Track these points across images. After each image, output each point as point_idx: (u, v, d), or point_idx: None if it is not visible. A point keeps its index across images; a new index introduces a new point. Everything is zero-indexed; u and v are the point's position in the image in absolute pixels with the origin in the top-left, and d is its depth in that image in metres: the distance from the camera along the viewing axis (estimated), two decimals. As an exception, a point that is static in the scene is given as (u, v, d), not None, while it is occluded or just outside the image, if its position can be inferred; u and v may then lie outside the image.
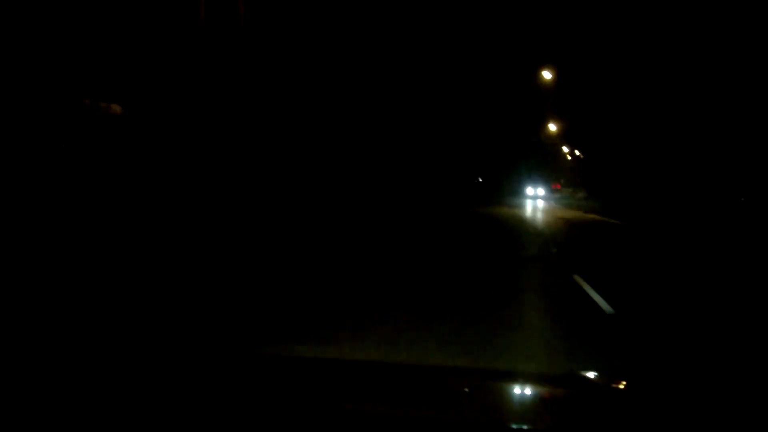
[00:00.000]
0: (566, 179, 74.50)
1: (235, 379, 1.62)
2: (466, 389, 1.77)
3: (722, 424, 1.37)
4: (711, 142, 27.59)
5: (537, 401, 1.74)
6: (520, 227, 19.41)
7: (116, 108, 12.94)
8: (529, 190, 47.77)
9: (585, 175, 59.00)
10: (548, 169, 62.32)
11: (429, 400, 1.56)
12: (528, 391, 1.83)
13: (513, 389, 1.86)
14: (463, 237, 15.22)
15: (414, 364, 2.66)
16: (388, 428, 1.24)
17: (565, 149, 70.19)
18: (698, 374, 3.53)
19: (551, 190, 51.42)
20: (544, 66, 42.53)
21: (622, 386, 1.86)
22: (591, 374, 2.20)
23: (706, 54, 27.45)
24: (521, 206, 35.08)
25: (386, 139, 30.15)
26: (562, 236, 16.43)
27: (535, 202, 41.27)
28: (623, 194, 33.25)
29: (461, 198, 38.51)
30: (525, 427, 1.42)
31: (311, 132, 20.94)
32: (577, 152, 68.10)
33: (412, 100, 32.88)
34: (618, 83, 36.53)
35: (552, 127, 56.68)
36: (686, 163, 29.21)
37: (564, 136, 58.68)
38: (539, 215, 27.60)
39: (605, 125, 40.65)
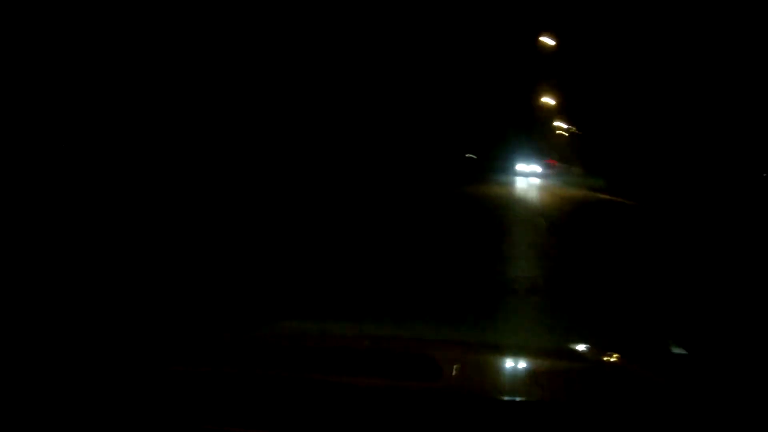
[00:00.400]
0: (560, 155, 71.34)
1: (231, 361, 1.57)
2: (457, 362, 1.73)
3: (717, 405, 1.33)
4: (729, 114, 24.39)
5: (529, 373, 1.76)
6: (517, 218, 15.83)
7: None
8: (521, 167, 43.57)
9: (582, 150, 56.03)
10: (542, 144, 58.79)
11: (418, 372, 1.52)
12: (519, 363, 1.85)
13: (504, 362, 1.88)
14: (438, 236, 10.08)
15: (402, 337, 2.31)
16: (380, 400, 1.23)
17: (560, 124, 67.27)
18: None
19: (546, 166, 47.27)
20: (541, 31, 38.91)
21: (614, 359, 1.86)
22: (583, 347, 2.14)
23: (724, 14, 24.26)
24: (514, 185, 31.56)
25: (360, 106, 27.08)
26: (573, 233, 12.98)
27: (528, 179, 37.52)
28: (630, 171, 29.90)
29: (442, 175, 35.07)
30: (517, 398, 1.44)
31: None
32: (572, 127, 65.47)
33: (390, 57, 29.49)
34: (624, 48, 33.06)
35: (546, 100, 53.69)
36: (702, 135, 26.02)
37: (560, 110, 55.73)
38: (538, 197, 24.01)
39: (608, 96, 37.18)
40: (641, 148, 29.99)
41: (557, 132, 67.53)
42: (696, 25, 25.52)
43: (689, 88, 26.86)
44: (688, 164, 25.73)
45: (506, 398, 1.43)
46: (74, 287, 5.02)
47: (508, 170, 42.53)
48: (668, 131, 28.41)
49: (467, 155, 45.23)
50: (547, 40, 35.75)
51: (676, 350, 3.87)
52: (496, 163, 45.17)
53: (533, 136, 58.00)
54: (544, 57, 41.70)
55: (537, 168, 42.62)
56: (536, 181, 36.04)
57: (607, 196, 22.78)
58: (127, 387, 1.30)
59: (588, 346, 2.04)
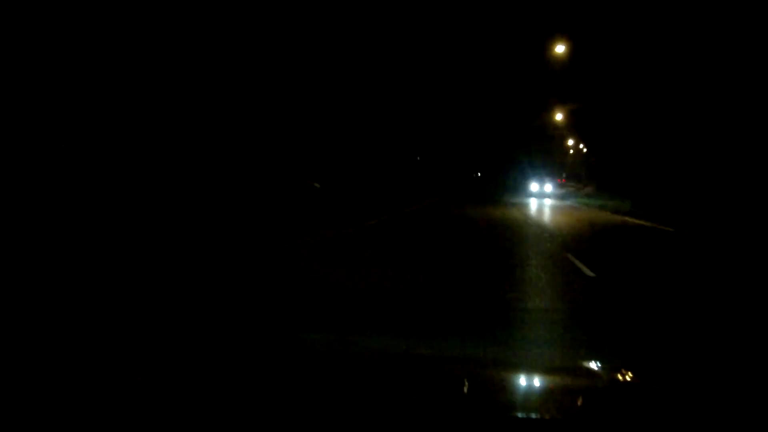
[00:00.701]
0: (569, 173, 68.40)
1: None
2: (470, 379, 1.73)
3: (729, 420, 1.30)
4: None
5: (542, 391, 1.73)
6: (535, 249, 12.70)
7: None
8: (534, 186, 40.11)
9: (595, 168, 53.23)
10: (552, 162, 55.75)
11: (432, 389, 1.55)
12: (532, 380, 1.83)
13: (516, 379, 1.86)
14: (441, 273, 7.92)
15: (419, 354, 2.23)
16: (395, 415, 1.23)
17: (570, 141, 64.42)
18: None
19: (557, 185, 43.91)
20: (552, 42, 36.17)
21: (628, 378, 1.84)
22: (595, 365, 2.14)
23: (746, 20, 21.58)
24: (528, 206, 28.42)
25: (366, 124, 25.47)
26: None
27: (542, 200, 34.27)
28: (657, 191, 26.81)
29: (452, 194, 32.09)
30: (530, 415, 1.41)
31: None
32: (581, 145, 62.69)
33: (400, 78, 27.66)
34: (644, 58, 30.20)
35: (557, 117, 50.96)
36: (735, 148, 23.05)
37: (571, 126, 52.96)
38: (557, 221, 20.91)
39: (626, 110, 34.22)
40: (664, 166, 26.92)
41: (567, 150, 64.71)
42: (719, 36, 22.85)
43: (718, 98, 23.96)
44: (717, 181, 22.72)
45: (519, 415, 1.41)
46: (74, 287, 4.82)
47: (520, 190, 39.46)
48: (697, 147, 25.41)
49: (477, 174, 42.17)
50: (559, 49, 32.87)
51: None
52: (507, 183, 42.21)
53: (544, 154, 55.08)
54: (555, 70, 38.90)
55: (550, 187, 39.25)
56: (550, 202, 32.83)
57: (637, 221, 19.69)
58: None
59: (601, 363, 2.01)
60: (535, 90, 47.40)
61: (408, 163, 33.63)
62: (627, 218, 21.16)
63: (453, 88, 36.61)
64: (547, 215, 22.15)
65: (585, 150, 61.38)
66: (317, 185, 21.14)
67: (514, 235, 13.41)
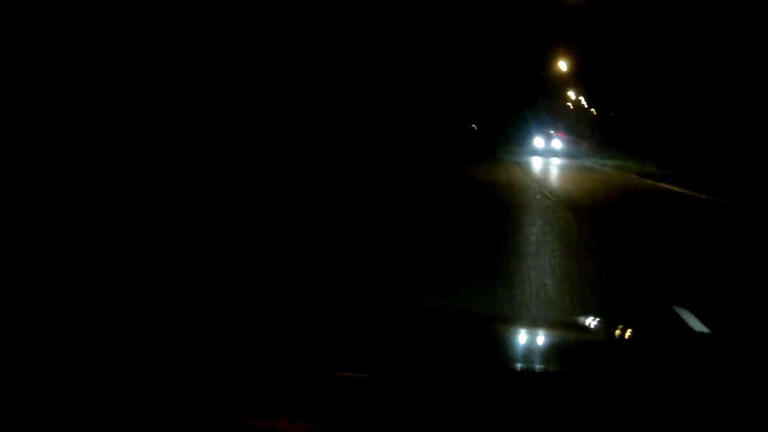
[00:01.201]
0: (568, 126, 63.37)
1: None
2: (470, 332, 1.68)
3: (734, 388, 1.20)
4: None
5: (543, 344, 1.70)
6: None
7: None
8: (538, 142, 34.21)
9: (600, 121, 48.70)
10: (554, 115, 50.75)
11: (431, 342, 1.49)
12: (533, 333, 1.82)
13: (516, 332, 1.84)
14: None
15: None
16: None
17: (571, 94, 59.43)
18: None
19: (567, 141, 36.79)
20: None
21: (627, 334, 1.80)
22: (594, 320, 2.14)
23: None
24: (535, 166, 23.81)
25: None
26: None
27: (550, 159, 29.21)
28: (685, 148, 22.32)
29: (443, 151, 27.46)
30: (532, 368, 1.40)
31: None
32: (581, 98, 57.83)
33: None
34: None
35: (561, 65, 46.00)
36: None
37: (577, 75, 48.04)
38: (577, 186, 16.30)
39: (643, 56, 29.37)
40: (707, 116, 22.29)
41: (566, 103, 59.80)
42: None
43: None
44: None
45: (519, 367, 1.40)
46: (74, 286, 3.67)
47: (523, 146, 34.54)
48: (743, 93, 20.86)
49: (468, 126, 37.09)
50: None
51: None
52: (506, 137, 37.40)
53: (547, 106, 50.21)
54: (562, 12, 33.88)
55: (559, 143, 33.72)
56: (560, 161, 27.95)
57: (681, 189, 15.27)
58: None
59: (599, 319, 2.10)
60: (538, 32, 42.36)
61: (381, 108, 28.81)
62: (663, 184, 16.71)
63: (436, 18, 31.54)
64: (562, 180, 17.51)
65: (586, 104, 56.66)
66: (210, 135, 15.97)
67: (530, 216, 8.89)
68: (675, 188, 15.67)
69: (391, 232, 6.59)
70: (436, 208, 9.18)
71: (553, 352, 1.59)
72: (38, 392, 1.01)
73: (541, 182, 15.62)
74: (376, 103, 28.14)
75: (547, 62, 46.91)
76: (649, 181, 17.76)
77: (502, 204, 10.12)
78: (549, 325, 2.13)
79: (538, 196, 11.27)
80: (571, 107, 62.47)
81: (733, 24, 21.11)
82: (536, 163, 24.78)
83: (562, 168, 23.04)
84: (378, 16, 25.38)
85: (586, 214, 9.35)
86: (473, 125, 36.91)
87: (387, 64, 27.51)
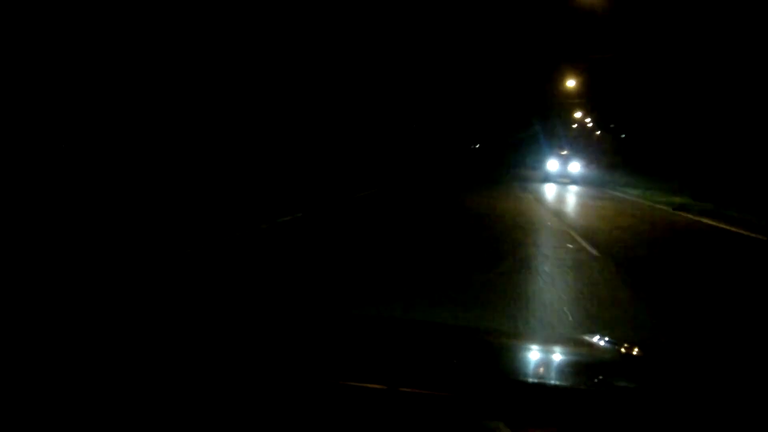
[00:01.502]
0: (580, 149, 60.57)
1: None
2: (478, 347, 1.73)
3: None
4: None
5: (543, 358, 1.72)
6: None
7: None
8: (552, 164, 30.05)
9: (615, 144, 46.50)
10: (568, 137, 48.21)
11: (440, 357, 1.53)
12: (532, 348, 1.84)
13: (516, 346, 1.87)
14: None
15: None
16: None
17: (578, 114, 56.97)
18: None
19: (587, 165, 32.79)
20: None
21: (634, 352, 1.81)
22: (599, 338, 2.07)
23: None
24: (550, 195, 21.20)
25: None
26: None
27: (567, 187, 26.09)
28: (721, 176, 19.73)
29: (441, 174, 25.02)
30: (538, 381, 1.43)
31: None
32: (587, 119, 55.41)
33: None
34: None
35: (569, 83, 43.71)
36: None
37: (587, 95, 45.74)
38: (613, 224, 13.56)
39: (661, 72, 26.93)
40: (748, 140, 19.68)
41: (581, 124, 57.43)
42: None
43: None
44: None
45: (530, 381, 1.42)
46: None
47: (532, 169, 31.75)
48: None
49: (476, 147, 34.61)
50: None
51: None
52: (513, 159, 34.84)
53: (559, 126, 47.86)
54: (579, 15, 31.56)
55: (578, 167, 30.09)
56: (577, 188, 24.97)
57: (720, 224, 12.67)
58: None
59: (605, 337, 2.06)
60: (549, 52, 40.20)
61: (380, 128, 26.50)
62: (706, 220, 14.08)
63: (445, 37, 29.33)
64: (591, 216, 14.75)
65: (597, 125, 54.22)
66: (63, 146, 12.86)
67: (568, 287, 6.16)
68: (723, 226, 13.03)
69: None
70: (432, 252, 6.51)
71: (557, 368, 1.57)
72: (41, 394, 1.08)
73: (568, 220, 12.81)
74: (372, 120, 25.74)
75: (557, 82, 44.75)
76: (691, 216, 15.08)
77: (518, 258, 7.28)
78: (554, 342, 2.13)
79: (571, 246, 8.45)
80: (583, 128, 60.01)
81: (754, 27, 18.80)
82: (551, 192, 22.11)
83: (584, 197, 20.34)
84: (384, 29, 23.35)
85: (643, 277, 6.66)
86: (476, 145, 34.47)
87: (391, 80, 25.22)
